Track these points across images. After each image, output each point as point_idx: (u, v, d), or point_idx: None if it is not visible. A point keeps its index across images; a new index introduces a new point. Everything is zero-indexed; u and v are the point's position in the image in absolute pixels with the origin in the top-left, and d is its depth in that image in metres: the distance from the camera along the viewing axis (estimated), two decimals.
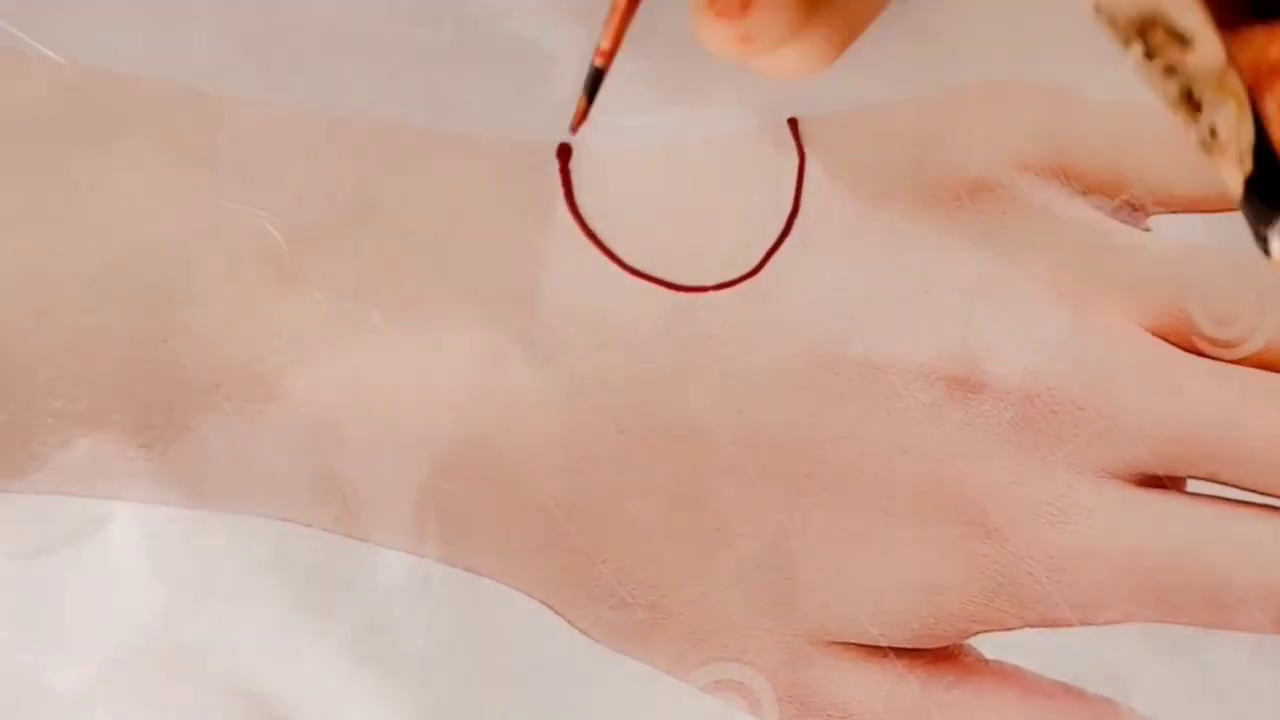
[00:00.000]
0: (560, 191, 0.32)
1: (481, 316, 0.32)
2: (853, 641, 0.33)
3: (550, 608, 0.32)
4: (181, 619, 0.31)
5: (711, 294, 0.33)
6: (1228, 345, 0.33)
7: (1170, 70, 0.25)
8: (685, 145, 0.33)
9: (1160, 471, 0.33)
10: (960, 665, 0.33)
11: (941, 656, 0.33)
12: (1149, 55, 0.24)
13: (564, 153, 0.32)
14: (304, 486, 0.31)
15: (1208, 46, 0.24)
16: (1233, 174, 0.24)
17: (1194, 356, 0.33)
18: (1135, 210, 0.33)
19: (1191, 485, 0.34)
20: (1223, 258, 0.33)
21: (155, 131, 0.31)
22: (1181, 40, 0.24)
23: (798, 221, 0.33)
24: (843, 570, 0.33)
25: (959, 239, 0.33)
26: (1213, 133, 0.25)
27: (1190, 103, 0.25)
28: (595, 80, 0.29)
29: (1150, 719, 0.33)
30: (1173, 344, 0.34)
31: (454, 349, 0.32)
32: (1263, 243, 0.25)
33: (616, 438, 0.32)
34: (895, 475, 0.33)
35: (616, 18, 0.28)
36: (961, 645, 0.33)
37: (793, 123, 0.33)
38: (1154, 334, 0.34)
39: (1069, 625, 0.33)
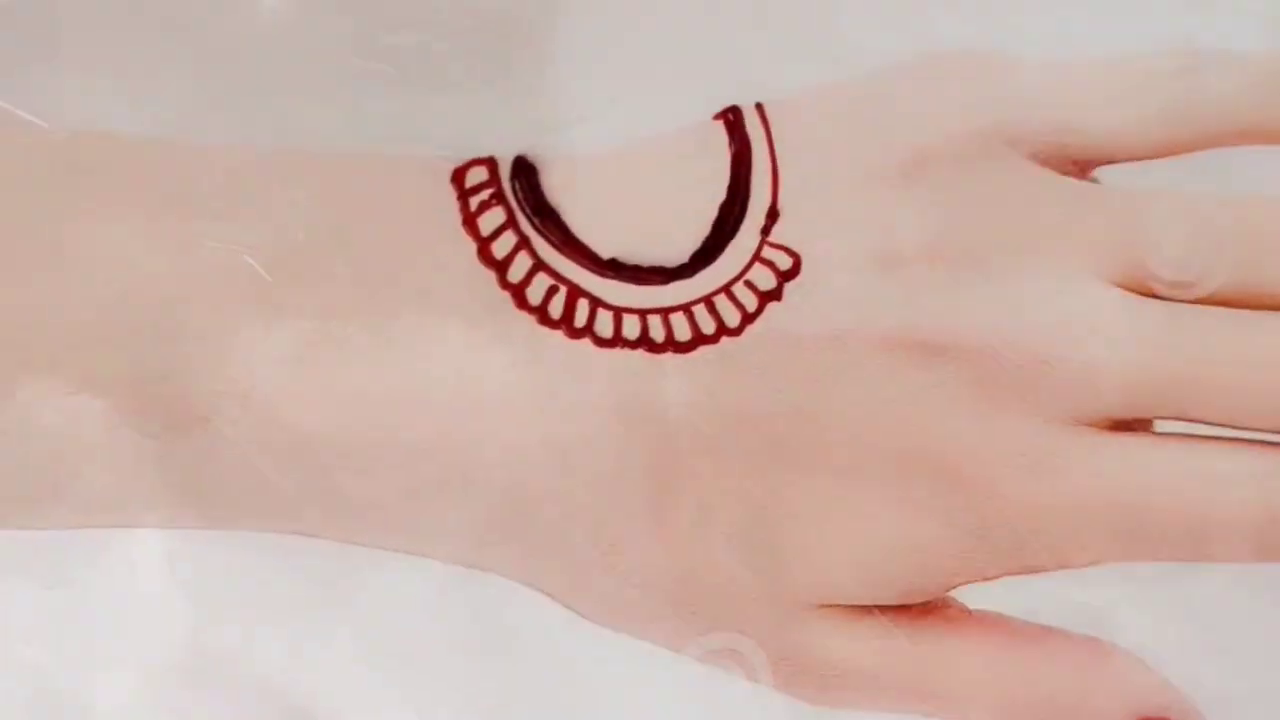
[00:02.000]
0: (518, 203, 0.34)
1: (460, 325, 0.34)
2: (840, 603, 0.34)
3: (549, 595, 0.34)
4: (207, 632, 0.34)
5: (674, 285, 0.34)
6: (1185, 286, 0.34)
7: None
8: (644, 141, 0.34)
9: (1128, 415, 0.34)
10: (945, 617, 0.34)
11: (926, 610, 0.34)
12: None
13: (519, 167, 0.34)
14: (306, 501, 0.34)
15: None
16: None
17: (1151, 300, 0.34)
18: (1080, 163, 0.34)
19: (1160, 426, 0.35)
20: (1172, 201, 0.34)
21: (135, 183, 0.33)
22: None
23: (750, 204, 0.34)
24: (823, 536, 0.34)
25: (908, 210, 0.34)
26: None
27: None
28: None
29: (1135, 653, 0.34)
30: (1129, 290, 0.34)
31: (437, 358, 0.34)
32: None
33: (594, 428, 0.34)
34: (865, 441, 0.34)
35: None
36: (945, 598, 0.34)
37: (737, 111, 0.34)
38: (1109, 282, 0.34)
39: (1048, 570, 0.34)
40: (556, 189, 0.34)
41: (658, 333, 0.34)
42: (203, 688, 0.33)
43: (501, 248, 0.33)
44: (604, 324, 0.34)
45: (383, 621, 0.34)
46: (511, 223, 0.34)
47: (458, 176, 0.33)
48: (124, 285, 0.33)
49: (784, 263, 0.34)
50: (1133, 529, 0.34)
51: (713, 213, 0.34)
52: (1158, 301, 0.34)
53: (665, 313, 0.34)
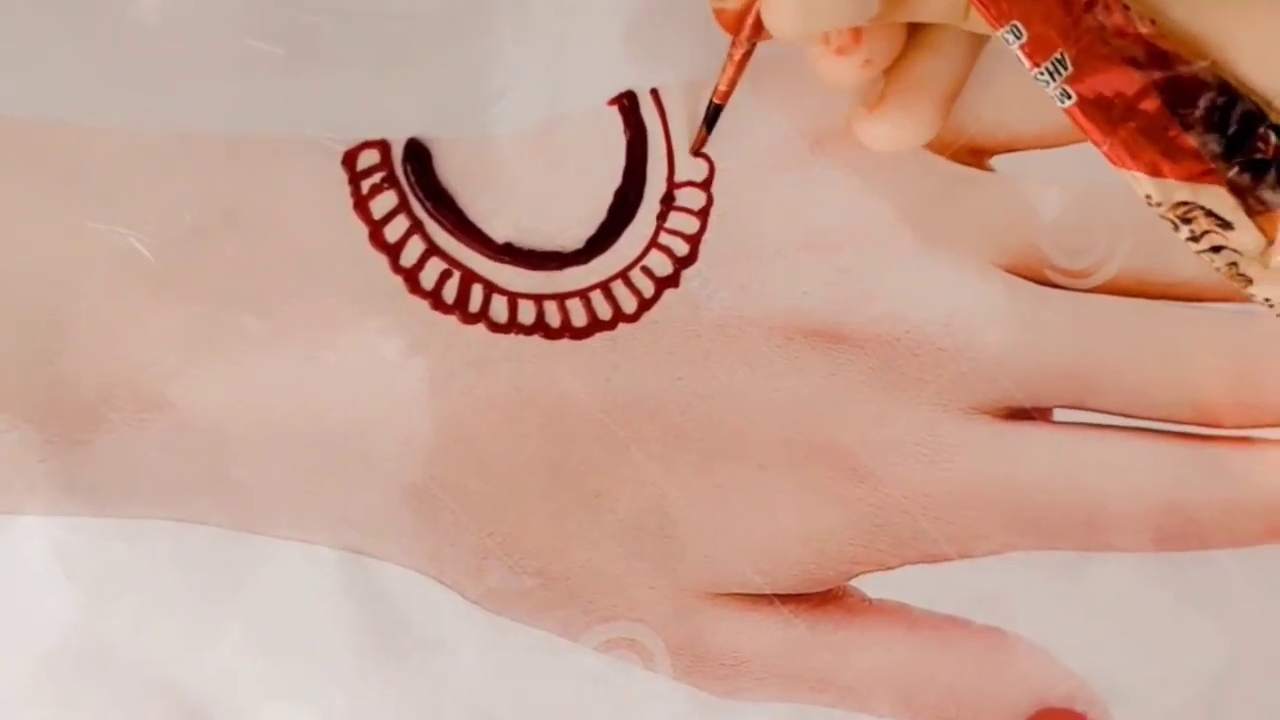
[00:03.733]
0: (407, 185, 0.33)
1: (352, 310, 0.33)
2: (738, 591, 0.34)
3: (441, 583, 0.33)
4: (95, 621, 0.33)
5: (570, 270, 0.34)
6: (1080, 275, 0.34)
7: (1217, 248, 0.27)
8: (539, 126, 0.34)
9: (1026, 404, 0.34)
10: (845, 606, 0.34)
11: (826, 599, 0.34)
12: (1195, 239, 0.26)
13: (412, 149, 0.34)
14: (196, 488, 0.33)
15: (1246, 231, 0.26)
16: None
17: (1048, 289, 0.34)
18: (977, 152, 0.34)
19: (1059, 415, 0.35)
20: (1068, 191, 0.34)
21: (20, 165, 0.33)
22: (1222, 222, 0.26)
23: (646, 190, 0.34)
24: (722, 524, 0.34)
25: (806, 194, 0.34)
26: (1269, 302, 0.27)
27: (1241, 277, 0.27)
28: (714, 114, 0.32)
29: (1036, 642, 0.34)
30: (1026, 279, 0.34)
31: (328, 344, 0.33)
32: None
33: (489, 415, 0.34)
34: (764, 429, 0.34)
35: (732, 67, 0.31)
36: (845, 587, 0.34)
37: (632, 96, 0.34)
38: (1007, 271, 0.34)
39: (949, 559, 0.34)
40: (450, 173, 0.33)
41: (554, 319, 0.33)
42: (91, 678, 0.33)
43: (394, 232, 0.33)
44: (499, 309, 0.33)
45: (274, 609, 0.33)
46: (404, 207, 0.33)
47: (349, 159, 0.33)
48: (8, 268, 0.33)
49: (681, 249, 0.34)
50: (1032, 518, 0.34)
51: (608, 198, 0.34)
52: (1054, 290, 0.34)
53: (561, 299, 0.34)
